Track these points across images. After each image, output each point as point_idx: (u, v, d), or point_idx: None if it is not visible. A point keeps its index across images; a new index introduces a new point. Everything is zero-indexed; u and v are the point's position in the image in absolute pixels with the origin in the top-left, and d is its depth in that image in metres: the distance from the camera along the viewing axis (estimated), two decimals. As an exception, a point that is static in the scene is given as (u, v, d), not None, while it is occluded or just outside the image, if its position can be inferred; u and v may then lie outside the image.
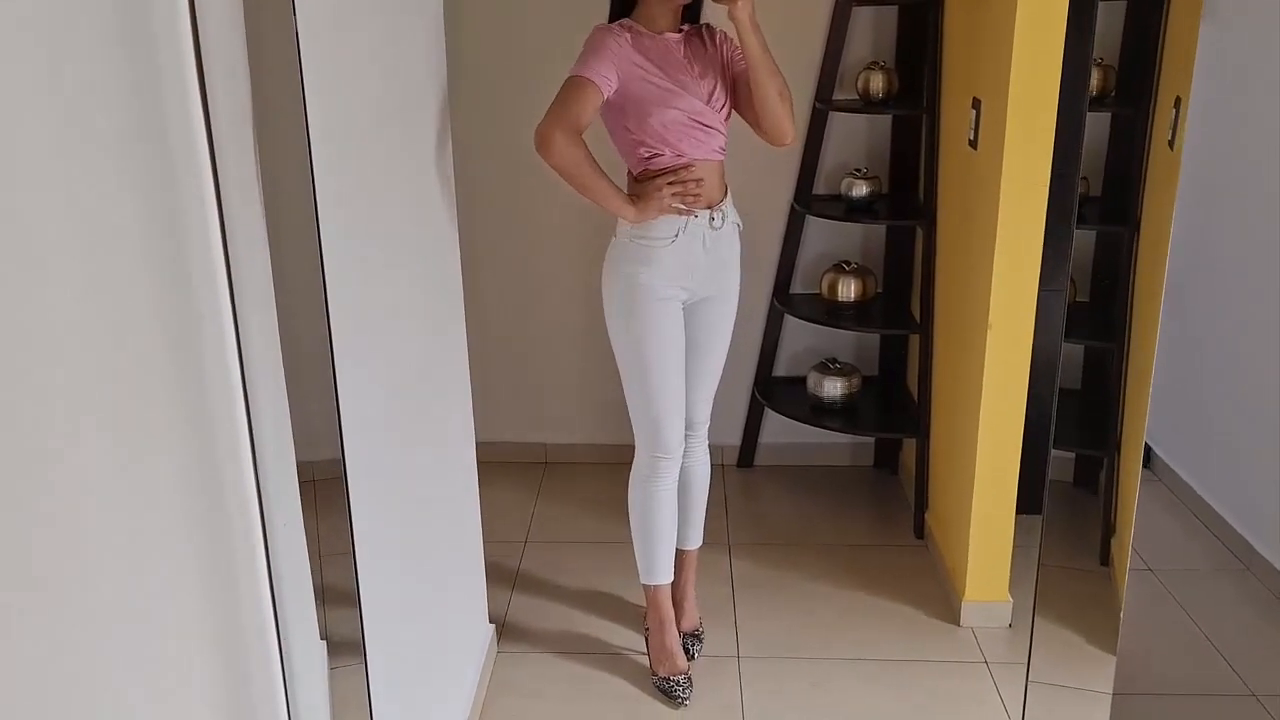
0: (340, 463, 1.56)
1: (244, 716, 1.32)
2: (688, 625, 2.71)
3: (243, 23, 1.27)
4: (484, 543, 2.59)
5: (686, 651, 2.63)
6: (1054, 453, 2.42)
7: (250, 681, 1.34)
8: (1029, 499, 2.82)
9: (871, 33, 3.22)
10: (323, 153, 1.43)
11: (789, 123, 2.31)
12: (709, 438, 2.64)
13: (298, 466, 1.55)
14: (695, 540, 2.70)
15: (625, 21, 2.28)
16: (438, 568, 2.24)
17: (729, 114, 2.34)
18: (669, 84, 2.23)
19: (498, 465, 3.61)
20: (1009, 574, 2.77)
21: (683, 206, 2.29)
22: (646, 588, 2.62)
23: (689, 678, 2.55)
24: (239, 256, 1.21)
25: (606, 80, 2.19)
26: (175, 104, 1.12)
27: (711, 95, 2.29)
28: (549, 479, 3.63)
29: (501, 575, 3.01)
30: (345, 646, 1.69)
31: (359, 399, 1.65)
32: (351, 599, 1.68)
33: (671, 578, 2.62)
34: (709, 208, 2.32)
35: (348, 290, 1.60)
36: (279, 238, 1.40)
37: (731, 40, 2.31)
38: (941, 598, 2.91)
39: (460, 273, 2.33)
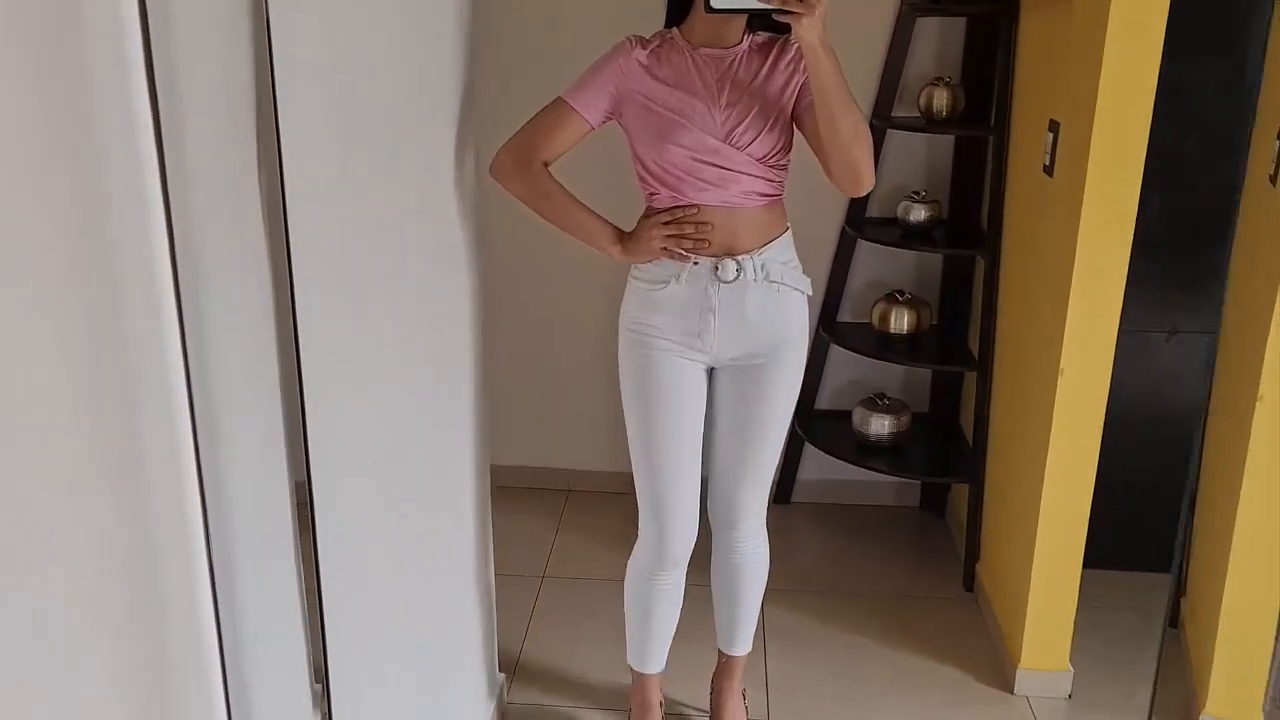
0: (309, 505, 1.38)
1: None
2: None
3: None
4: (499, 574, 2.38)
5: None
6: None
7: None
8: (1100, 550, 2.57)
9: (936, 46, 2.99)
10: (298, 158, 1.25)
11: (866, 167, 1.90)
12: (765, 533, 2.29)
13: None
14: (743, 645, 2.36)
15: (664, 31, 1.99)
16: (438, 618, 2.04)
17: (776, 152, 1.96)
18: (676, 114, 1.91)
19: (518, 491, 3.42)
20: (1070, 640, 2.53)
21: (680, 251, 1.97)
22: (633, 670, 2.35)
23: None
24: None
25: (592, 108, 1.94)
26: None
27: (734, 130, 1.91)
28: (571, 508, 3.42)
29: (516, 612, 2.81)
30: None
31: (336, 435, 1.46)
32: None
33: (663, 668, 2.33)
34: (724, 255, 1.97)
35: (327, 313, 1.43)
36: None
37: None
38: (993, 660, 2.67)
39: (477, 292, 2.12)
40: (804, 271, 2.07)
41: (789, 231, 2.05)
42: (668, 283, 2.00)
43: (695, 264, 1.97)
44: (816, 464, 3.34)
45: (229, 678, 1.21)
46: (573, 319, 3.32)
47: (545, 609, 2.88)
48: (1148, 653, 2.68)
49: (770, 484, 2.21)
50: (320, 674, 1.55)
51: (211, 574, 1.15)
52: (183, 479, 1.12)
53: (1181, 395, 2.82)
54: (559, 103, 1.96)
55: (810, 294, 2.08)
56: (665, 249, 1.97)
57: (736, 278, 1.97)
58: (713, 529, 2.26)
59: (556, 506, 3.42)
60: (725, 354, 2.04)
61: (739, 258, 1.97)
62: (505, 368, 3.14)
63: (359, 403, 1.60)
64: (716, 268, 1.97)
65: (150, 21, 0.98)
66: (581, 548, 3.18)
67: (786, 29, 1.89)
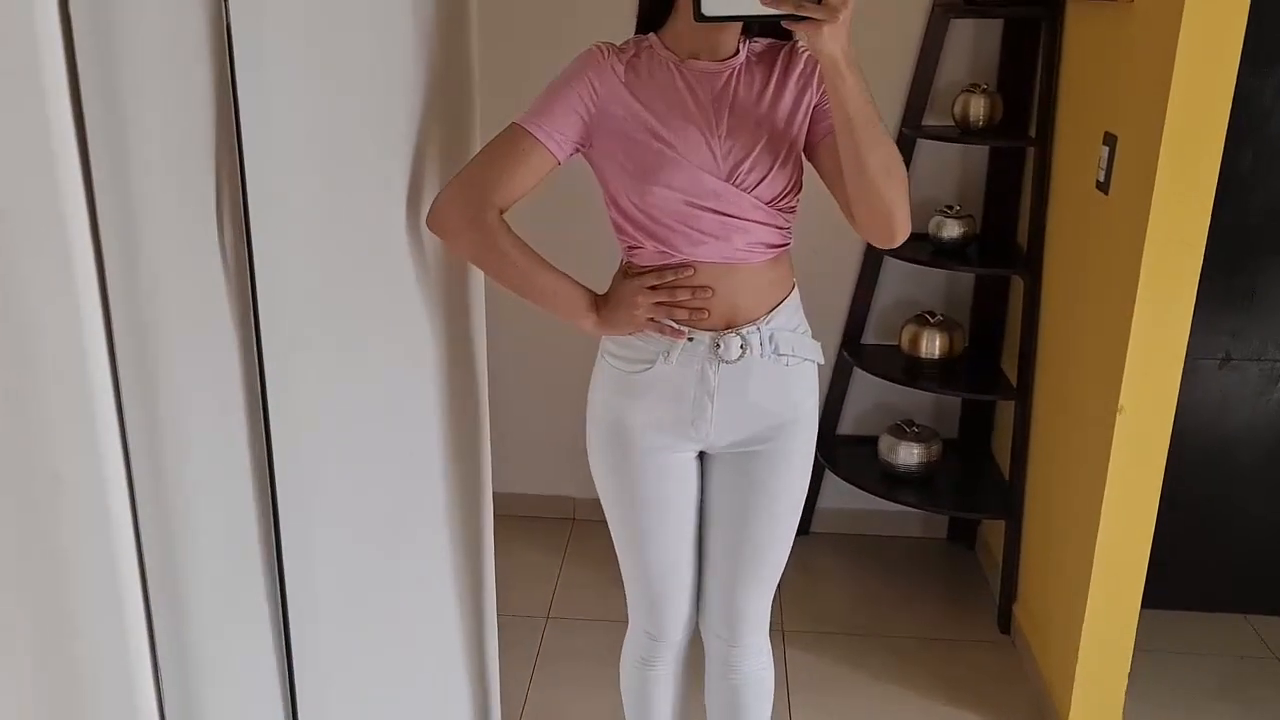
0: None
1: None
2: None
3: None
4: (498, 616, 2.17)
5: None
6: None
7: None
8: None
9: (971, 50, 2.79)
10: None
11: (902, 213, 1.49)
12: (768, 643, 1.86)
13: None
14: None
15: (639, 38, 1.59)
16: (433, 679, 1.84)
17: (787, 193, 1.56)
18: (666, 147, 1.51)
19: (517, 520, 3.21)
20: (1124, 694, 2.34)
21: (671, 324, 1.58)
22: None
23: None
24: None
25: (560, 138, 1.52)
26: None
27: (738, 167, 1.52)
28: (576, 539, 3.22)
29: (518, 662, 2.60)
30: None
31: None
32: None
33: None
34: (724, 329, 1.59)
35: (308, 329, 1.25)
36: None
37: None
38: (1035, 711, 2.49)
39: (477, 309, 1.92)
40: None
41: (796, 289, 1.67)
42: (652, 363, 1.61)
43: (690, 339, 1.59)
44: (837, 492, 3.15)
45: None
46: (574, 334, 3.11)
47: (550, 655, 2.67)
48: (1208, 703, 2.50)
49: (774, 590, 1.81)
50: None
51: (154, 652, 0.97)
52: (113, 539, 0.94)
53: (1236, 424, 2.64)
54: (516, 131, 1.52)
55: (822, 362, 1.72)
56: (653, 320, 1.59)
57: (741, 356, 1.59)
58: (705, 643, 1.87)
59: (560, 537, 3.22)
60: (721, 440, 1.66)
61: (743, 330, 1.59)
62: (502, 388, 2.93)
63: (338, 429, 1.40)
64: (717, 345, 1.58)
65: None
66: (589, 583, 2.97)
67: (789, 34, 1.54)
